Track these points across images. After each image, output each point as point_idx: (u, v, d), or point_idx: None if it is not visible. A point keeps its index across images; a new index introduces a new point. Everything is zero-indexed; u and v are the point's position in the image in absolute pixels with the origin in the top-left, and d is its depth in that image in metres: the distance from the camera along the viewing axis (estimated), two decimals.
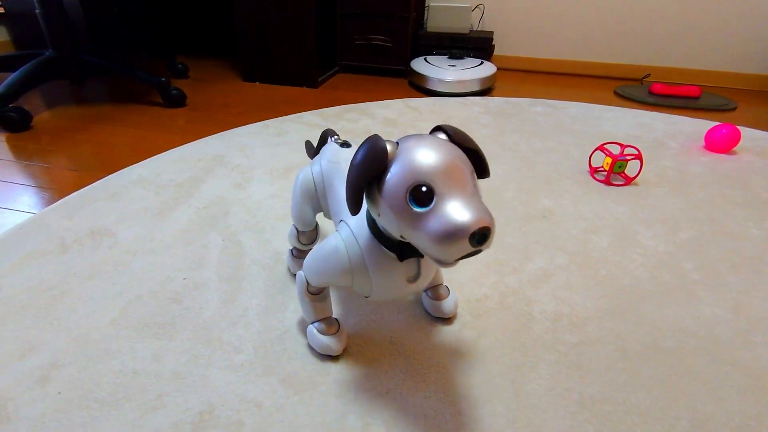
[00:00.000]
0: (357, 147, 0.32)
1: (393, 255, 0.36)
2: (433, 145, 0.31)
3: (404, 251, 0.36)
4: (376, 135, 0.32)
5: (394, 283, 0.38)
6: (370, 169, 0.31)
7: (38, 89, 1.33)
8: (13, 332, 0.48)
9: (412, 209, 0.29)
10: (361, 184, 0.31)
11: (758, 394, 0.43)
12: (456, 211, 0.28)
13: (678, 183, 0.86)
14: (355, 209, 0.32)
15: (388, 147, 0.31)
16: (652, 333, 0.50)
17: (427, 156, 0.30)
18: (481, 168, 0.34)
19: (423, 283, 0.39)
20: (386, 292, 0.39)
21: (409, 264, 0.38)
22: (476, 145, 0.34)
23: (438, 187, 0.29)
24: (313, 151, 0.57)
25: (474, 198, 0.29)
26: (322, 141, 0.53)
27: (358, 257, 0.37)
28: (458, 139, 0.33)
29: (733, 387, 0.44)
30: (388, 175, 0.31)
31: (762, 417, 0.41)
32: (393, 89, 1.49)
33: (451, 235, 0.28)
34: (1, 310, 0.51)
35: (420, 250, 0.31)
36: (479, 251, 0.28)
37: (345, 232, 0.39)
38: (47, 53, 1.16)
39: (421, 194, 0.29)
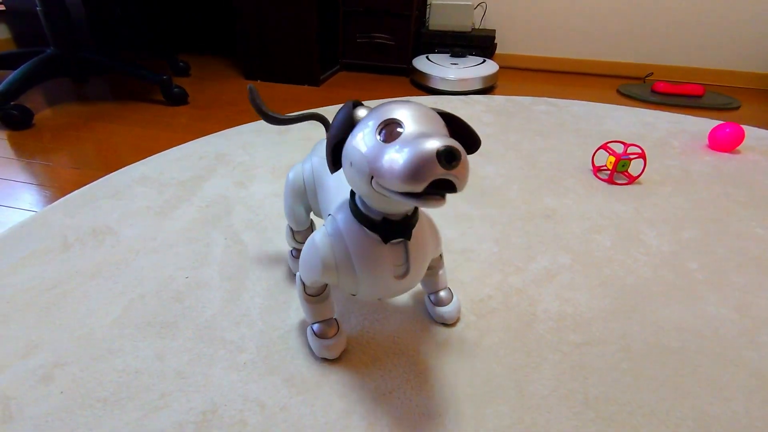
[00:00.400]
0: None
1: (376, 236, 0.35)
2: (406, 101, 0.32)
3: (388, 231, 0.35)
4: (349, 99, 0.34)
5: (380, 273, 0.36)
6: (342, 125, 0.32)
7: (40, 87, 1.33)
8: (15, 331, 0.48)
9: (380, 143, 0.30)
10: (334, 140, 0.32)
11: (765, 394, 0.43)
12: (423, 136, 0.28)
13: (682, 182, 0.86)
14: (333, 167, 0.33)
15: (362, 107, 0.33)
16: (656, 333, 0.50)
17: (398, 104, 0.31)
18: (471, 141, 0.34)
19: (412, 281, 0.38)
20: (373, 286, 0.37)
21: (396, 252, 0.36)
22: (459, 118, 0.34)
23: (407, 123, 0.29)
24: (264, 110, 0.50)
25: (444, 134, 0.30)
26: (305, 118, 0.50)
27: (342, 246, 0.37)
28: (446, 116, 0.34)
29: (739, 387, 0.44)
30: (361, 121, 0.32)
31: None
32: (395, 88, 1.49)
33: (417, 154, 0.27)
34: (3, 309, 0.50)
35: (390, 190, 0.29)
36: (452, 186, 0.27)
37: (331, 225, 0.38)
38: (48, 51, 1.16)
39: (390, 131, 0.29)
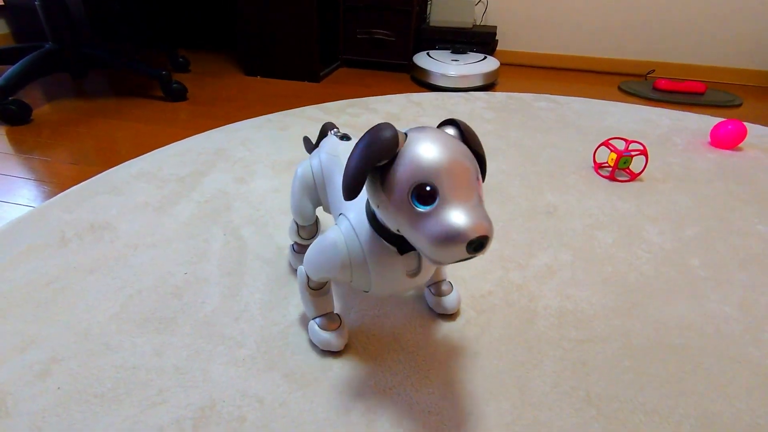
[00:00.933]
0: (364, 133, 0.31)
1: (393, 248, 0.36)
2: (442, 143, 0.30)
3: (404, 244, 0.35)
4: (387, 123, 0.31)
5: (393, 276, 0.37)
6: (376, 156, 0.30)
7: (38, 82, 1.32)
8: (13, 326, 0.47)
9: (413, 207, 0.29)
10: (363, 169, 0.30)
11: (767, 392, 0.43)
12: (456, 216, 0.28)
13: (684, 179, 0.85)
14: (349, 195, 0.31)
15: (396, 134, 0.30)
16: (658, 330, 0.50)
17: (435, 154, 0.29)
18: (480, 172, 0.33)
19: (423, 278, 0.39)
20: (386, 287, 0.38)
21: (410, 258, 0.37)
22: (482, 149, 0.34)
23: (442, 189, 0.28)
24: (311, 146, 0.56)
25: (476, 205, 0.29)
26: (322, 134, 0.52)
27: (358, 251, 0.37)
28: (468, 137, 0.33)
29: (741, 385, 0.43)
30: (393, 168, 0.30)
31: None
32: (395, 84, 1.48)
33: (449, 239, 0.27)
34: (0, 304, 0.50)
35: (416, 248, 0.30)
36: (474, 257, 0.28)
37: (344, 225, 0.38)
38: (47, 46, 1.15)
39: (425, 193, 0.29)
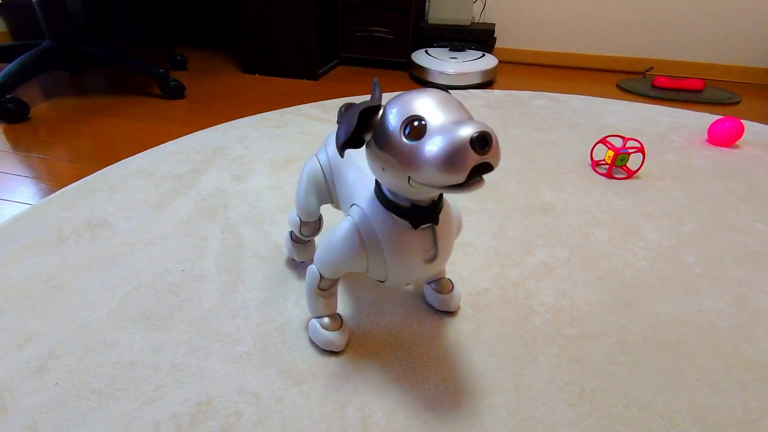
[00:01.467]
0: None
1: (406, 223, 0.36)
2: (424, 88, 0.32)
3: (417, 217, 0.35)
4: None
5: (410, 259, 0.37)
6: (362, 108, 0.31)
7: (36, 80, 1.32)
8: (10, 323, 0.47)
9: (409, 144, 0.29)
10: (352, 120, 0.31)
11: (760, 387, 0.43)
12: (451, 128, 0.28)
13: (681, 176, 0.85)
14: (342, 147, 0.32)
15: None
16: (653, 326, 0.50)
17: (417, 93, 0.31)
18: None
19: (440, 263, 0.38)
20: (403, 272, 0.38)
21: (425, 237, 0.37)
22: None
23: (430, 117, 0.29)
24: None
25: (471, 118, 0.30)
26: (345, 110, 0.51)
27: (371, 234, 0.37)
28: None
29: (735, 380, 0.44)
30: (383, 122, 0.31)
31: (764, 410, 0.41)
32: (394, 81, 1.48)
33: (451, 147, 0.27)
34: None
35: (432, 186, 0.29)
36: (489, 166, 0.28)
37: (356, 212, 0.38)
38: (45, 44, 1.15)
39: (415, 128, 0.29)
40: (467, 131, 0.27)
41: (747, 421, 0.40)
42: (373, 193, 0.37)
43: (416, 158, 0.29)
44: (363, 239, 0.37)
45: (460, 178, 0.28)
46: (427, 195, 0.34)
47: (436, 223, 0.36)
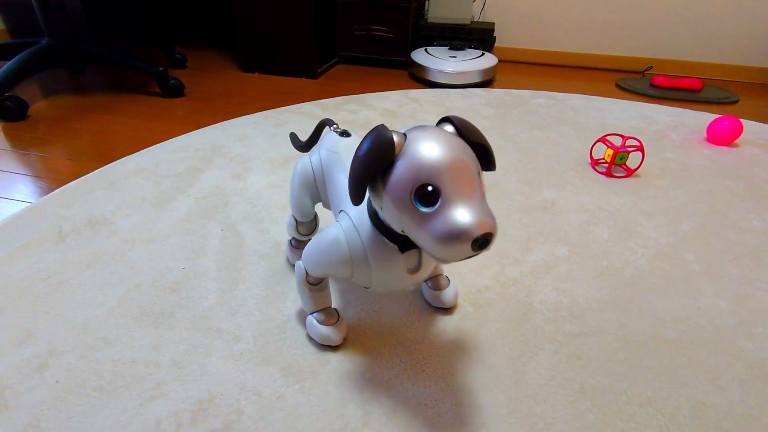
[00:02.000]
0: (362, 136, 0.32)
1: (394, 246, 0.36)
2: (440, 141, 0.30)
3: (405, 242, 0.35)
4: (382, 125, 0.31)
5: (394, 274, 0.37)
6: (376, 163, 0.30)
7: (35, 78, 1.32)
8: (11, 320, 0.47)
9: (416, 208, 0.29)
10: (366, 176, 0.30)
11: (760, 384, 0.43)
12: (461, 214, 0.28)
13: (680, 175, 0.86)
14: (357, 200, 0.32)
15: (395, 139, 0.30)
16: (653, 323, 0.50)
17: (434, 153, 0.29)
18: (487, 161, 0.34)
19: (423, 274, 0.39)
20: (386, 284, 0.38)
21: (410, 255, 0.37)
22: (484, 140, 0.33)
23: (444, 189, 0.28)
24: (299, 143, 0.56)
25: (480, 202, 0.29)
26: (317, 131, 0.52)
27: (359, 248, 0.37)
28: (466, 132, 0.33)
29: (734, 377, 0.44)
30: (394, 171, 0.30)
31: (763, 407, 0.41)
32: (393, 80, 1.48)
33: (454, 238, 0.28)
34: None
35: (421, 248, 0.31)
36: (479, 254, 0.29)
37: (345, 222, 0.38)
38: (43, 41, 1.15)
39: (427, 194, 0.29)
40: (474, 230, 0.27)
41: (746, 418, 0.40)
42: (364, 206, 0.37)
43: (417, 225, 0.29)
44: (349, 249, 0.37)
45: (449, 261, 0.30)
46: None
47: None
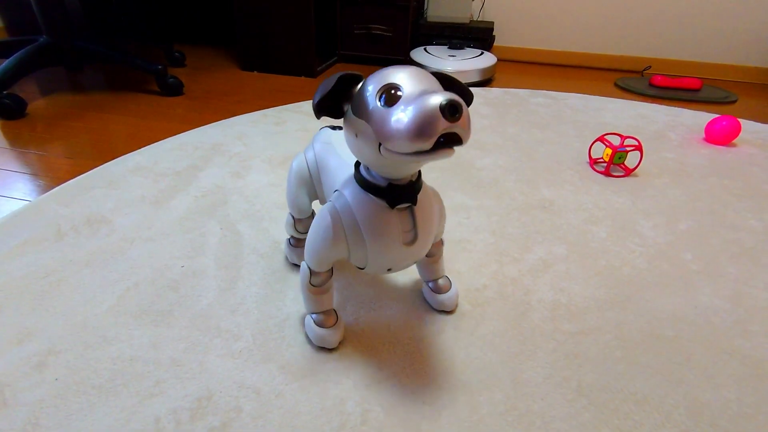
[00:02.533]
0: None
1: (383, 202, 0.36)
2: (399, 66, 0.32)
3: (394, 196, 0.36)
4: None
5: (389, 240, 0.37)
6: (343, 75, 0.33)
7: (33, 76, 1.31)
8: (10, 318, 0.47)
9: (383, 109, 0.30)
10: (329, 84, 0.32)
11: (755, 382, 0.43)
12: (423, 95, 0.29)
13: (678, 174, 0.86)
14: (317, 107, 0.33)
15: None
16: (650, 322, 0.50)
17: (395, 68, 0.32)
18: (464, 93, 0.35)
19: (420, 247, 0.39)
20: (382, 256, 0.38)
21: (403, 218, 0.37)
22: (461, 84, 0.35)
23: (407, 85, 0.30)
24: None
25: (440, 90, 0.31)
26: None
27: (350, 215, 0.37)
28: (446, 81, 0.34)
29: (730, 375, 0.44)
30: (361, 91, 0.32)
31: (759, 405, 0.41)
32: None
33: (421, 111, 0.28)
34: None
35: (401, 152, 0.30)
36: (458, 139, 0.29)
37: (335, 196, 0.39)
38: (42, 39, 1.14)
39: (390, 96, 0.30)
40: (437, 99, 0.28)
41: (742, 416, 0.40)
42: (352, 176, 0.38)
43: (388, 124, 0.30)
44: (341, 220, 0.38)
45: (428, 144, 0.28)
46: (401, 171, 0.35)
47: (414, 204, 0.37)
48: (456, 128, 0.28)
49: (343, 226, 0.38)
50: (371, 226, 0.37)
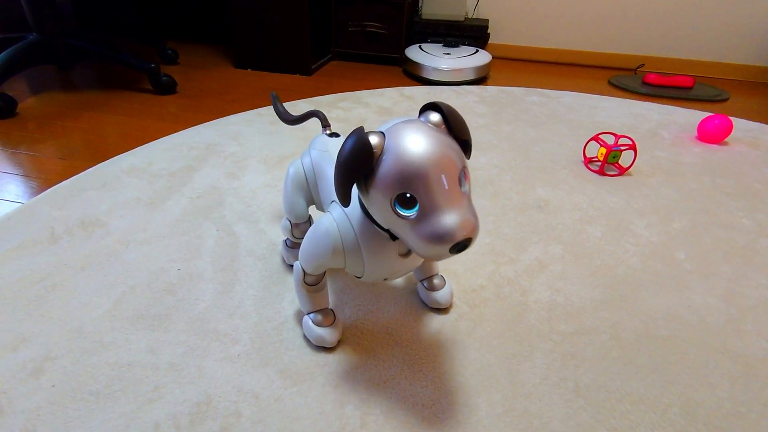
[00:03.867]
0: (342, 144, 0.32)
1: (385, 234, 0.36)
2: (421, 142, 0.30)
3: None
4: (360, 129, 0.31)
5: (386, 259, 0.38)
6: (357, 169, 0.31)
7: (23, 74, 1.29)
8: (4, 324, 0.47)
9: (398, 212, 0.30)
10: (348, 182, 0.31)
11: (748, 380, 0.44)
12: (441, 219, 0.29)
13: (671, 173, 0.87)
14: (345, 203, 0.33)
15: (374, 141, 0.30)
16: (645, 322, 0.51)
17: (412, 159, 0.29)
18: (465, 151, 0.34)
19: (416, 260, 0.39)
20: (379, 271, 0.39)
21: (401, 242, 0.37)
22: (468, 135, 0.33)
23: (422, 196, 0.29)
24: (281, 109, 0.57)
25: (460, 205, 0.29)
26: (306, 116, 0.53)
27: (351, 235, 0.37)
28: (452, 123, 0.32)
29: (723, 374, 0.45)
30: (376, 175, 0.31)
31: (751, 403, 0.42)
32: (387, 77, 1.47)
33: (436, 242, 0.29)
34: None
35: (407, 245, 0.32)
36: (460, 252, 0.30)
37: (336, 211, 0.39)
38: (31, 37, 1.13)
39: (407, 200, 0.30)
40: (455, 233, 0.28)
41: (735, 414, 0.41)
42: (356, 198, 0.38)
43: (401, 227, 0.31)
44: (342, 238, 0.38)
45: (434, 260, 0.32)
46: None
47: None
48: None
49: (342, 242, 0.38)
50: (371, 248, 0.37)
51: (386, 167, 0.30)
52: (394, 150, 0.30)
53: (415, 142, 0.30)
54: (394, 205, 0.30)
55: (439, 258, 0.30)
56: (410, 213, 0.30)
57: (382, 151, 0.30)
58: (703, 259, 0.62)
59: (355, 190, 0.38)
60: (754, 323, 0.51)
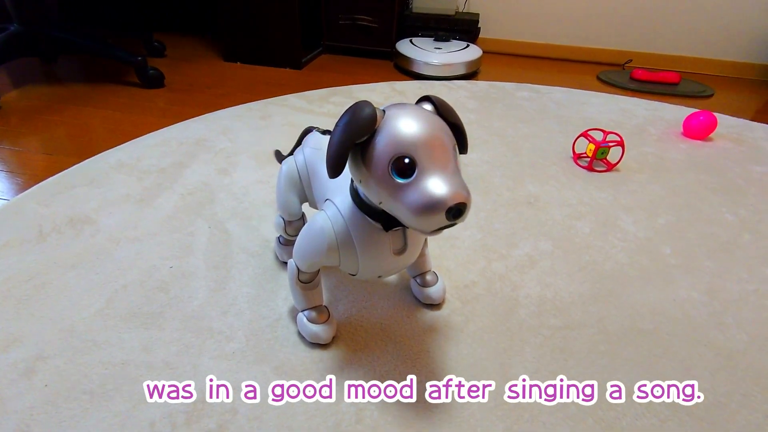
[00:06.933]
0: (344, 111, 0.33)
1: (378, 225, 0.37)
2: (418, 117, 0.31)
3: (389, 221, 0.36)
4: (364, 100, 0.32)
5: (380, 255, 0.38)
6: (356, 134, 0.31)
7: (5, 67, 1.26)
8: None
9: (393, 179, 0.31)
10: (345, 147, 0.31)
11: (729, 372, 0.46)
12: (435, 185, 0.29)
13: (657, 169, 0.88)
14: (334, 172, 0.32)
15: (376, 113, 0.31)
16: (631, 316, 0.53)
17: (411, 128, 0.31)
18: (461, 143, 0.35)
19: (410, 256, 0.40)
20: (373, 267, 0.39)
21: (396, 235, 0.38)
22: (459, 120, 0.35)
23: (420, 161, 0.30)
24: (282, 157, 0.58)
25: (454, 173, 0.31)
26: (301, 138, 0.53)
27: (344, 231, 0.38)
28: (443, 111, 0.34)
29: (705, 367, 0.46)
30: (373, 143, 0.31)
31: (732, 394, 0.44)
32: (378, 71, 1.47)
33: (429, 208, 0.29)
34: None
35: (398, 218, 0.32)
36: (455, 224, 0.30)
37: (330, 209, 0.39)
38: (12, 28, 1.10)
39: (403, 166, 0.30)
40: (448, 199, 0.29)
41: (716, 405, 0.43)
42: (348, 192, 0.38)
43: (394, 197, 0.31)
44: (336, 235, 0.38)
45: (425, 231, 0.31)
46: None
47: (408, 228, 0.38)
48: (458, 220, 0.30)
49: (336, 240, 0.38)
50: (365, 243, 0.37)
51: (386, 133, 0.31)
52: (394, 121, 0.31)
53: (414, 115, 0.32)
54: (391, 172, 0.31)
55: (432, 226, 0.30)
56: (407, 180, 0.30)
57: (381, 122, 0.32)
58: (688, 254, 0.64)
59: (348, 183, 0.38)
60: (735, 316, 0.53)
